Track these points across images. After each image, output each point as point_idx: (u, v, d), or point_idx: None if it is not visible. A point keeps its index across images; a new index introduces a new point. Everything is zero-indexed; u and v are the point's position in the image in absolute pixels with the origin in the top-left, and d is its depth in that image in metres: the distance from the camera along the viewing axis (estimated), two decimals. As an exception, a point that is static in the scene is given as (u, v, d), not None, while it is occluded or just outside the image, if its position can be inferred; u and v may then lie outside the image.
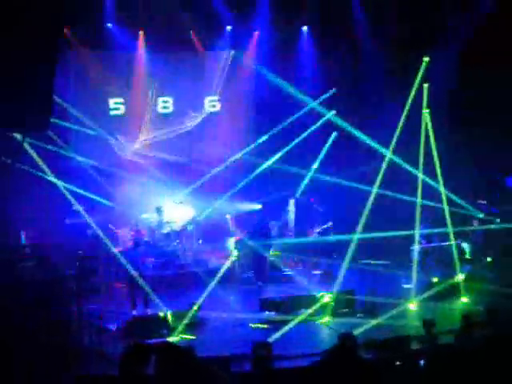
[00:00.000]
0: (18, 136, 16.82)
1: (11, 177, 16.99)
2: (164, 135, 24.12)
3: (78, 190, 21.60)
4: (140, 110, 23.94)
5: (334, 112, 24.12)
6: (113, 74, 23.31)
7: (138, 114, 23.92)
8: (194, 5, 22.53)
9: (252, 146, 24.49)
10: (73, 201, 21.14)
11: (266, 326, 16.30)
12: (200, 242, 22.71)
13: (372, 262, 21.60)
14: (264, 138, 24.44)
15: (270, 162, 24.38)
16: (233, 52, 24.24)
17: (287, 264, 21.57)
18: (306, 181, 24.79)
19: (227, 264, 19.65)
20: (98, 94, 23.32)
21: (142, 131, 23.88)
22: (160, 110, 24.48)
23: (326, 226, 22.96)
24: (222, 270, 19.29)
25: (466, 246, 20.25)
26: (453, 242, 19.71)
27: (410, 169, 21.79)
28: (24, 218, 19.83)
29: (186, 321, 16.02)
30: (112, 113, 23.91)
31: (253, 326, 16.39)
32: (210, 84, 24.67)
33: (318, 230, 22.87)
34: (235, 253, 20.81)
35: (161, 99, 24.41)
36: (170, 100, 24.50)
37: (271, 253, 21.34)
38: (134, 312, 16.90)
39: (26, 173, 20.21)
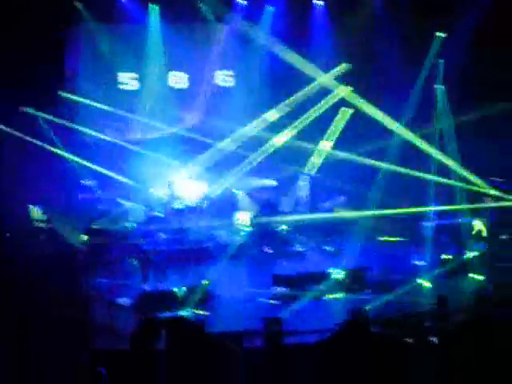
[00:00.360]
0: (31, 110, 16.85)
1: (22, 152, 17.03)
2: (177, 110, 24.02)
3: (90, 165, 21.60)
4: (151, 85, 23.79)
5: (348, 88, 23.96)
6: (124, 48, 23.17)
7: (150, 87, 23.78)
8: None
9: (265, 119, 24.34)
10: (84, 176, 21.20)
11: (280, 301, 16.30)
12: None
13: (384, 238, 21.51)
14: (276, 112, 24.28)
15: (283, 138, 24.26)
16: (246, 25, 24.00)
17: (299, 239, 21.49)
18: (316, 156, 24.64)
19: (239, 239, 19.62)
20: (110, 67, 23.18)
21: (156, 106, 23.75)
22: (172, 84, 24.34)
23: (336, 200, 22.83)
24: (234, 246, 19.30)
25: (479, 223, 20.10)
26: (466, 219, 19.61)
27: (423, 145, 21.69)
28: (36, 193, 19.84)
29: (197, 296, 16.01)
30: (124, 87, 23.78)
31: (267, 300, 16.41)
32: (223, 58, 24.50)
33: (327, 205, 22.77)
34: (247, 228, 20.77)
35: (173, 73, 24.26)
36: (183, 74, 24.36)
37: (282, 228, 21.31)
38: (146, 287, 16.90)
39: (38, 147, 20.24)
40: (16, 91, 13.35)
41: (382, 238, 21.32)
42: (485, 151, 22.49)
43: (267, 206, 20.54)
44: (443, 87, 20.43)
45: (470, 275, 18.06)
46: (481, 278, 17.91)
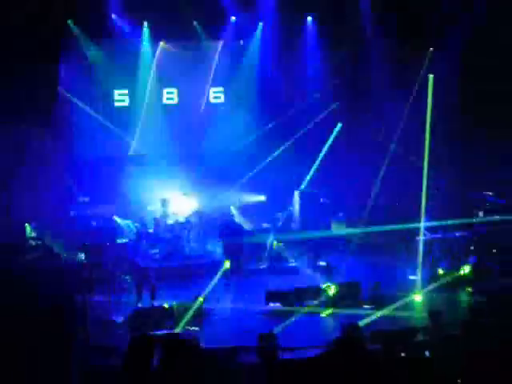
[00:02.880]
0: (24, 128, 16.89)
1: (16, 171, 17.06)
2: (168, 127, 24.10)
3: (83, 182, 21.66)
4: (144, 101, 23.89)
5: (337, 103, 24.14)
6: (117, 65, 23.28)
7: (143, 105, 23.88)
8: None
9: (257, 135, 24.47)
10: (78, 193, 21.24)
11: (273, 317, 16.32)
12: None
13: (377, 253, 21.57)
14: (269, 127, 24.44)
15: (274, 154, 24.41)
16: (237, 42, 24.12)
17: (292, 255, 21.54)
18: (311, 172, 24.77)
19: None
20: (103, 85, 23.25)
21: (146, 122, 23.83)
22: (165, 100, 24.44)
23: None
24: (227, 262, 19.31)
25: (471, 237, 20.16)
26: (458, 234, 19.68)
27: (415, 161, 21.79)
28: (30, 211, 19.86)
29: (191, 312, 16.02)
30: (116, 104, 23.86)
31: (261, 316, 16.44)
32: (214, 75, 24.61)
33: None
34: None
35: (165, 90, 24.39)
36: (175, 91, 24.46)
37: (274, 244, 21.35)
38: (140, 304, 16.89)
39: (31, 166, 20.27)
40: (9, 109, 13.39)
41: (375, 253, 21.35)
42: (475, 163, 22.64)
43: (226, 227, 20.34)
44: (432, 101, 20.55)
45: (463, 288, 18.12)
46: (473, 290, 17.97)
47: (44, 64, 11.61)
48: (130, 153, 23.63)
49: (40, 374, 11.55)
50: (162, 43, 23.79)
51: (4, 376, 11.25)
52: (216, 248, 21.09)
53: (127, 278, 18.19)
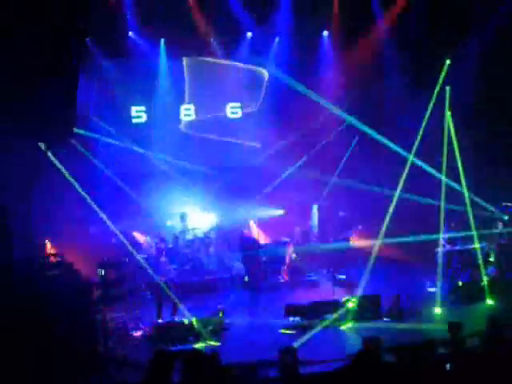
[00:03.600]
0: (43, 146, 17.01)
1: (35, 187, 17.15)
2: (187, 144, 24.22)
3: (103, 198, 21.77)
4: (162, 118, 24.02)
5: (355, 117, 24.18)
6: (135, 83, 23.40)
7: (160, 121, 24.00)
8: (214, 11, 22.58)
9: (274, 150, 24.52)
10: (97, 209, 21.31)
11: (293, 331, 16.31)
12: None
13: (397, 265, 21.54)
14: (286, 142, 24.50)
15: (292, 168, 24.47)
16: (253, 58, 24.17)
17: (311, 269, 21.53)
18: (329, 186, 24.79)
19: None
20: (121, 102, 23.39)
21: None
22: (182, 117, 24.55)
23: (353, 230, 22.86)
24: (246, 276, 19.36)
25: (490, 248, 20.10)
26: (477, 245, 19.62)
27: (433, 172, 21.76)
28: (49, 227, 19.97)
29: (211, 327, 16.05)
30: (134, 121, 24.00)
31: (282, 331, 16.43)
32: (231, 91, 24.70)
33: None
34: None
35: (183, 107, 24.50)
36: (192, 107, 24.56)
37: (294, 257, 21.38)
38: (160, 320, 16.94)
39: (51, 182, 20.38)
40: (28, 126, 13.51)
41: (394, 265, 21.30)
42: (497, 176, 22.57)
43: (243, 243, 20.28)
44: (450, 113, 20.54)
45: (483, 300, 18.05)
46: (493, 302, 17.92)
47: (63, 82, 11.72)
48: (149, 168, 23.67)
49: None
50: (184, 60, 23.88)
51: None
52: (235, 263, 21.11)
53: (147, 293, 18.26)
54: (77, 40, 11.73)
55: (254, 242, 20.21)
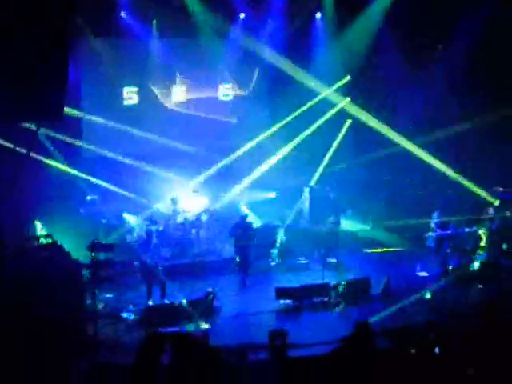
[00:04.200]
0: (33, 126, 16.88)
1: (25, 168, 17.03)
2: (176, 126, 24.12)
3: (92, 180, 21.69)
4: (154, 99, 23.90)
5: (348, 99, 24.14)
6: (126, 63, 23.25)
7: (152, 102, 23.88)
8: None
9: (266, 133, 24.45)
10: (87, 190, 21.26)
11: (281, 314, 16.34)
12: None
13: (386, 249, 21.54)
14: (278, 125, 24.43)
15: (284, 151, 24.44)
16: (246, 39, 24.03)
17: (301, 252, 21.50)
18: (321, 169, 24.78)
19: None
20: (112, 83, 23.23)
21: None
22: (173, 98, 24.43)
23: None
24: (237, 259, 19.33)
25: (481, 233, 20.11)
26: (468, 230, 19.62)
27: (425, 155, 21.77)
28: (38, 209, 19.88)
29: (201, 309, 16.04)
30: (126, 102, 23.85)
31: (271, 313, 16.45)
32: (223, 72, 24.59)
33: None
34: None
35: (174, 87, 24.36)
36: (184, 88, 24.43)
37: (284, 240, 21.38)
38: (150, 302, 16.91)
39: (40, 163, 20.29)
40: (17, 106, 13.38)
41: (384, 249, 21.30)
42: (487, 160, 22.58)
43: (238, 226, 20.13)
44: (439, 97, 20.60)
45: (474, 285, 18.08)
46: (484, 287, 17.94)
47: (53, 61, 11.58)
48: (139, 150, 23.57)
49: (47, 370, 11.62)
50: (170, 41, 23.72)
51: (10, 370, 11.31)
52: (226, 245, 21.08)
53: (137, 275, 18.21)
54: (65, 17, 11.55)
55: (248, 225, 20.07)
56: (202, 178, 23.55)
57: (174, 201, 22.17)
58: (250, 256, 19.46)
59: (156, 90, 23.99)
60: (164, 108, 24.23)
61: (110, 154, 22.78)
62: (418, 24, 22.75)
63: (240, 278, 19.19)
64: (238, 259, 19.44)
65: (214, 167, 23.79)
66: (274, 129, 24.50)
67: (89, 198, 22.35)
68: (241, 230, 19.36)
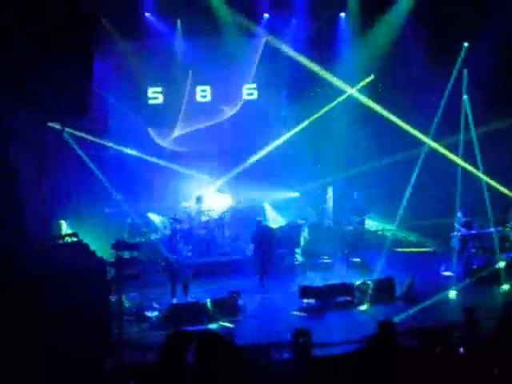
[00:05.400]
0: (58, 126, 17.01)
1: (50, 167, 17.17)
2: (202, 125, 24.13)
3: (118, 179, 21.81)
4: (178, 99, 23.96)
5: (372, 98, 24.09)
6: (151, 63, 23.32)
7: (176, 102, 23.95)
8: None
9: (291, 133, 24.43)
10: (112, 190, 21.36)
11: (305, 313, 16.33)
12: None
13: (411, 249, 21.47)
14: (303, 125, 24.40)
15: (309, 150, 24.42)
16: (270, 39, 24.03)
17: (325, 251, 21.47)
18: (344, 168, 24.72)
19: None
20: (137, 83, 23.34)
21: (181, 120, 23.85)
22: (198, 98, 24.48)
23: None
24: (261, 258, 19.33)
25: (507, 233, 19.99)
26: (493, 229, 19.51)
27: (450, 155, 21.63)
28: (64, 209, 20.00)
29: (225, 308, 16.07)
30: (151, 102, 23.95)
31: (294, 312, 16.45)
32: (247, 72, 24.58)
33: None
34: None
35: (199, 88, 24.41)
36: (208, 88, 24.48)
37: (308, 240, 21.36)
38: (174, 300, 16.97)
39: (66, 163, 20.41)
40: (43, 106, 13.48)
41: (409, 249, 21.25)
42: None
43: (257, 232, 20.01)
44: (467, 97, 20.37)
45: (499, 285, 17.98)
46: (509, 287, 17.84)
47: (78, 62, 11.68)
48: (165, 150, 23.66)
49: (70, 370, 11.69)
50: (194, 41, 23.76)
51: (31, 368, 11.39)
52: (249, 244, 21.10)
53: (161, 274, 18.29)
54: (91, 18, 11.65)
55: (266, 233, 19.93)
56: (226, 177, 23.58)
57: (198, 200, 22.25)
58: (270, 261, 19.37)
59: (181, 90, 24.01)
60: (188, 107, 24.25)
61: (135, 153, 22.91)
62: (442, 23, 22.63)
63: (263, 277, 19.15)
64: (256, 267, 19.35)
65: (238, 167, 23.80)
66: (298, 128, 24.45)
67: (115, 197, 22.50)
68: (259, 236, 19.28)
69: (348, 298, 17.05)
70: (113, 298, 15.15)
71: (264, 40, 24.04)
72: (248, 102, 25.03)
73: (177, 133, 23.75)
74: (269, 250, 19.27)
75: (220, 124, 24.43)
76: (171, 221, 18.59)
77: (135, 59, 22.92)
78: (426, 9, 22.66)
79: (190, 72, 23.81)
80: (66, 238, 16.29)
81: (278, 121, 24.71)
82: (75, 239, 15.96)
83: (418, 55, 23.39)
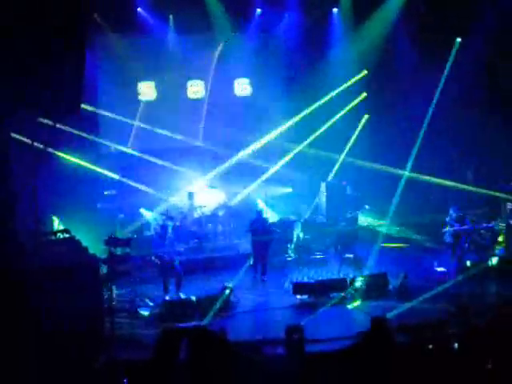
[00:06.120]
0: (50, 122, 16.95)
1: (42, 163, 17.10)
2: (194, 120, 24.12)
3: (109, 175, 21.76)
4: (170, 94, 23.89)
5: (365, 94, 24.08)
6: (143, 59, 23.25)
7: (168, 97, 23.88)
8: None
9: (283, 128, 24.40)
10: (104, 185, 21.31)
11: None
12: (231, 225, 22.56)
13: (404, 245, 21.47)
14: (295, 120, 24.38)
15: (301, 146, 24.38)
16: (263, 34, 23.99)
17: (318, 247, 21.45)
18: (337, 164, 24.71)
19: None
20: (128, 78, 23.26)
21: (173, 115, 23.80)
22: (190, 94, 24.43)
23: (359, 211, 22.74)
24: (252, 255, 19.31)
25: (499, 228, 20.00)
26: (486, 225, 19.53)
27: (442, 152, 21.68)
28: (56, 204, 19.93)
29: (217, 305, 16.04)
30: (142, 97, 23.87)
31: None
32: (240, 67, 24.51)
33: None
34: None
35: (190, 83, 24.34)
36: (201, 83, 24.41)
37: (301, 235, 21.33)
38: (167, 297, 16.94)
39: (57, 159, 20.36)
40: (34, 101, 13.43)
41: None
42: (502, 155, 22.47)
43: (255, 224, 19.96)
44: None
45: (492, 280, 17.98)
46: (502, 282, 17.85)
47: (70, 56, 11.64)
48: (156, 145, 23.60)
49: (63, 366, 11.66)
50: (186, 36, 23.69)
51: (24, 365, 11.36)
52: (242, 241, 21.06)
53: (153, 270, 18.25)
54: (85, 18, 11.61)
55: (264, 220, 19.98)
56: (217, 172, 23.52)
57: (190, 196, 22.21)
58: (268, 251, 19.40)
59: (172, 85, 23.95)
60: (180, 103, 24.19)
61: (126, 149, 22.87)
62: (434, 18, 22.64)
63: (257, 274, 19.12)
64: (253, 255, 19.37)
65: (230, 162, 23.77)
66: (290, 123, 24.42)
67: (106, 193, 22.44)
68: (258, 225, 19.33)
69: (341, 294, 17.01)
70: (105, 295, 15.13)
71: (256, 35, 23.98)
72: (241, 96, 24.98)
73: (168, 128, 23.65)
74: (266, 239, 19.26)
75: (212, 119, 24.35)
76: (163, 217, 18.54)
77: (127, 54, 22.84)
78: (418, 4, 22.68)
79: (183, 67, 23.72)
80: (58, 234, 16.25)
81: (270, 115, 24.64)
82: (67, 235, 15.93)
83: (411, 50, 23.38)
